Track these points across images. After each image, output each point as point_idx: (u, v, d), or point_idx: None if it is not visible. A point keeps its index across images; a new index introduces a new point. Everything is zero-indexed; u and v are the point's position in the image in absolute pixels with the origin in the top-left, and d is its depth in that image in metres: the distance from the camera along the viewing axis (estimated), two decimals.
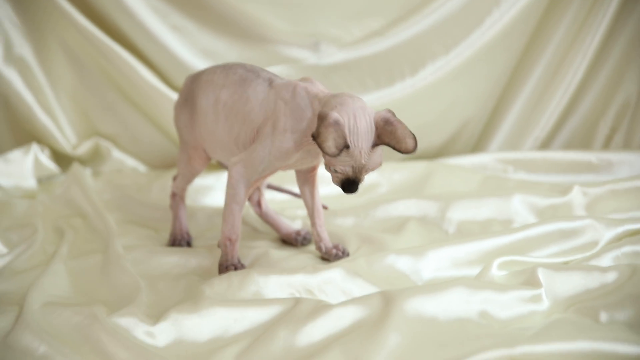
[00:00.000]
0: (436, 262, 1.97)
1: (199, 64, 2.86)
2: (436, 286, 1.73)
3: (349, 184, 1.77)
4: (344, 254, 2.08)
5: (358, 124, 1.71)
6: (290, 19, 2.88)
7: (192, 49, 2.88)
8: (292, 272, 1.88)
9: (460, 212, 2.34)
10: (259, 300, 1.78)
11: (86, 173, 2.83)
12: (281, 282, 1.86)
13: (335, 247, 2.08)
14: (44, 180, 2.89)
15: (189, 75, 2.20)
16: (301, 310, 1.71)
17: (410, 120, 2.61)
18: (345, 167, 1.74)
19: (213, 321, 1.71)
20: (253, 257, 2.10)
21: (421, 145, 2.83)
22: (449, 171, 2.78)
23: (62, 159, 2.97)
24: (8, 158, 2.85)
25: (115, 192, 2.72)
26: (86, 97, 2.97)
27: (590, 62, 2.95)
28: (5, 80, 2.87)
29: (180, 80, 2.83)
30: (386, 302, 1.69)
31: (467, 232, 2.26)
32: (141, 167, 3.03)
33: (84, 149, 2.98)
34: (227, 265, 1.98)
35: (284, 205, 2.56)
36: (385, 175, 2.77)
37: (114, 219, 2.44)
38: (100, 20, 2.84)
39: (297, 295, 1.84)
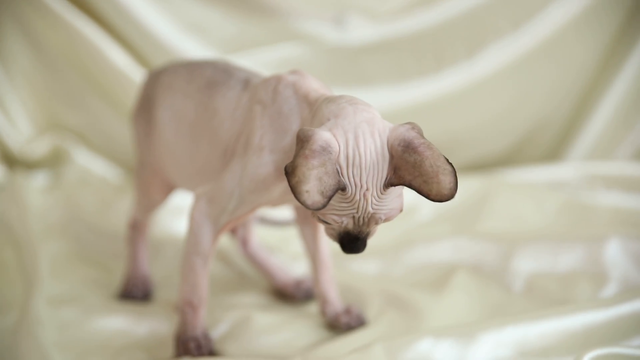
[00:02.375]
0: (494, 351, 1.57)
1: (186, 43, 2.59)
2: None
3: (350, 242, 1.32)
4: (359, 321, 1.71)
5: (361, 149, 1.26)
6: None
7: (176, 24, 2.60)
8: None
9: (531, 261, 1.99)
10: None
11: (30, 183, 2.55)
12: None
13: (347, 311, 1.72)
14: None
15: (150, 72, 1.93)
16: None
17: (464, 119, 2.71)
18: (341, 217, 1.29)
19: None
20: (228, 324, 1.74)
21: (479, 153, 2.77)
22: (514, 192, 2.46)
23: (11, 161, 2.70)
24: None
25: (67, 211, 2.38)
26: (46, 82, 2.68)
27: None
28: None
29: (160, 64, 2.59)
30: None
31: (540, 292, 1.90)
32: (112, 173, 2.73)
33: (40, 147, 2.71)
34: (185, 340, 1.61)
35: (285, 236, 2.22)
36: None
37: (54, 251, 2.13)
38: None
39: None
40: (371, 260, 2.06)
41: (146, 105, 1.81)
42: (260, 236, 2.04)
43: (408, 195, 2.31)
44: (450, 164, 1.23)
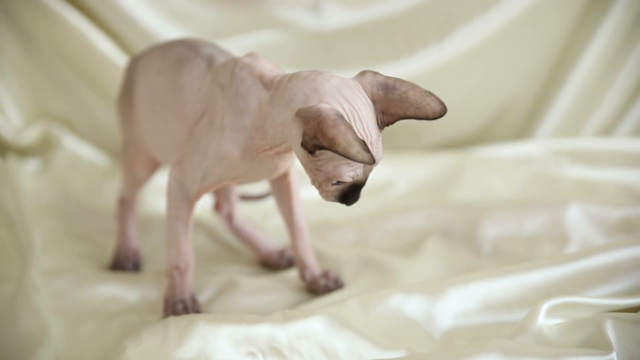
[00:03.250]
0: (460, 304, 1.63)
1: (168, 30, 2.59)
2: (459, 352, 1.39)
3: (353, 193, 1.41)
4: (337, 284, 1.77)
5: (355, 107, 1.36)
6: None
7: (158, 11, 2.62)
8: (255, 321, 1.52)
9: (498, 226, 2.02)
10: None
11: (22, 168, 2.55)
12: (237, 335, 1.50)
13: (325, 275, 1.78)
14: None
15: (130, 58, 1.97)
16: None
17: None
18: (355, 170, 1.37)
19: None
20: (215, 289, 1.79)
21: (450, 132, 2.78)
22: (484, 166, 2.50)
23: (2, 148, 2.67)
24: None
25: (58, 192, 2.40)
26: (33, 71, 2.68)
27: None
28: None
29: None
30: None
31: (506, 254, 1.94)
32: (100, 158, 2.73)
33: (30, 135, 2.70)
34: (174, 302, 1.66)
35: (268, 213, 2.26)
36: (400, 172, 2.50)
37: (47, 229, 2.16)
38: None
39: (259, 357, 1.49)
40: (348, 231, 2.10)
41: (128, 88, 1.85)
42: (242, 212, 2.08)
43: (384, 171, 2.41)
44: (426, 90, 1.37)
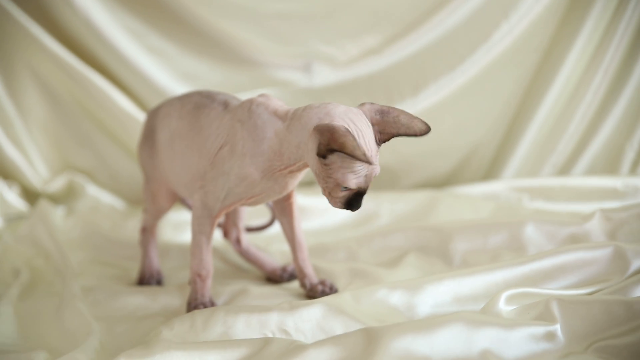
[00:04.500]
0: (435, 297, 1.81)
1: (179, 89, 2.75)
2: (430, 321, 1.55)
3: (357, 199, 1.62)
4: (332, 290, 1.94)
5: (359, 127, 1.59)
6: (279, 38, 2.81)
7: (171, 73, 2.80)
8: (266, 310, 1.71)
9: (466, 242, 2.19)
10: (223, 342, 1.60)
11: (53, 210, 2.69)
12: (252, 321, 1.70)
13: (322, 283, 1.95)
14: (12, 219, 2.75)
15: (150, 110, 2.12)
16: (270, 352, 1.55)
17: (412, 146, 2.80)
18: (359, 179, 1.59)
19: None
20: (229, 294, 1.96)
21: (426, 174, 2.90)
22: (456, 201, 2.67)
23: (33, 197, 2.84)
24: None
25: (86, 229, 2.58)
26: (59, 129, 2.88)
27: (613, 80, 2.83)
28: None
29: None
30: (369, 340, 1.51)
31: (473, 263, 2.11)
32: (119, 204, 2.90)
33: (56, 185, 2.86)
34: (195, 305, 1.84)
35: (270, 241, 2.44)
36: (384, 206, 2.64)
37: (79, 258, 2.33)
38: (73, 45, 2.76)
39: (271, 336, 1.67)
40: (339, 251, 2.27)
41: (149, 135, 2.03)
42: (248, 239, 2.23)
43: (369, 205, 2.55)
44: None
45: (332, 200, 1.64)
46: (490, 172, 2.98)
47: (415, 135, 1.60)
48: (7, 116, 2.82)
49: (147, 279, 2.14)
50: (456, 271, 1.88)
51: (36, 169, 2.87)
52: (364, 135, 1.58)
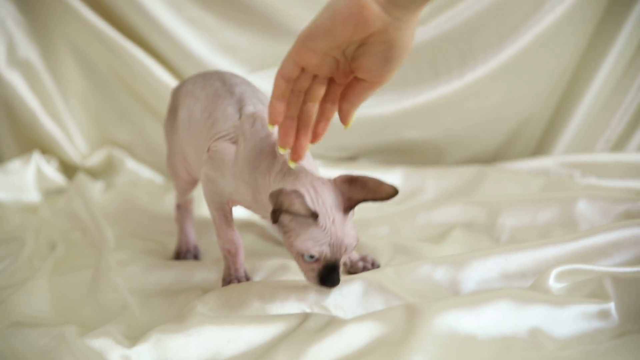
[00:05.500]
0: (481, 273, 1.73)
1: (219, 61, 2.75)
2: (475, 297, 1.51)
3: (330, 272, 1.54)
4: (374, 266, 1.86)
5: (320, 192, 1.54)
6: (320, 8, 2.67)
7: (211, 45, 2.77)
8: (304, 285, 1.66)
9: (515, 218, 2.13)
10: (259, 317, 1.57)
11: (91, 184, 2.72)
12: (290, 296, 1.65)
13: (363, 259, 1.88)
14: (50, 193, 2.78)
15: (177, 85, 2.11)
16: (308, 328, 1.51)
17: (459, 120, 2.81)
18: (321, 246, 1.52)
19: (202, 342, 1.51)
20: (267, 270, 1.91)
21: (473, 149, 2.89)
22: (504, 177, 2.59)
23: (71, 171, 2.87)
24: (8, 169, 2.77)
25: (123, 204, 2.59)
26: (98, 102, 2.88)
27: None
28: (8, 84, 2.78)
29: None
30: (411, 316, 1.46)
31: (522, 240, 2.02)
32: (158, 178, 2.91)
33: (95, 159, 2.89)
34: (230, 280, 1.80)
35: None
36: (429, 182, 2.60)
37: (116, 232, 2.30)
38: (111, 17, 2.74)
39: (308, 311, 1.63)
40: (382, 226, 2.20)
41: (173, 109, 2.00)
42: None
43: (414, 181, 2.52)
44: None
45: (306, 275, 1.58)
46: (540, 147, 2.92)
47: (381, 199, 1.53)
48: (46, 89, 2.83)
49: (184, 253, 2.12)
50: (504, 247, 1.82)
51: (75, 143, 2.89)
52: (323, 201, 1.52)
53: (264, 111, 1.73)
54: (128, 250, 2.17)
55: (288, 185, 1.55)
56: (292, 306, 1.63)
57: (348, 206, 1.54)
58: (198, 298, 1.70)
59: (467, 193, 2.51)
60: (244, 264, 1.81)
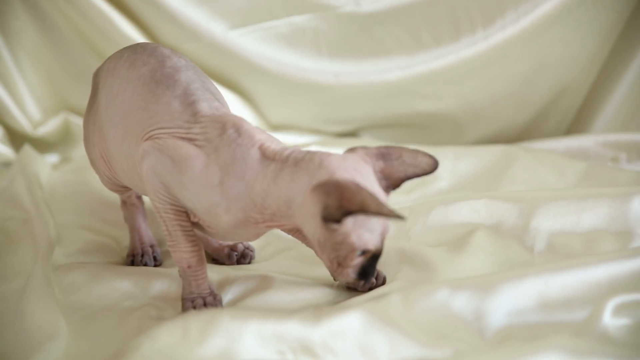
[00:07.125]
0: (514, 302, 1.50)
1: (196, 13, 2.54)
2: (511, 354, 1.31)
3: (372, 263, 1.47)
4: (378, 279, 1.67)
5: (366, 178, 1.45)
6: None
7: None
8: (285, 316, 1.42)
9: (553, 220, 1.89)
10: None
11: (39, 159, 2.51)
12: (265, 332, 1.40)
13: None
14: None
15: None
16: None
17: (482, 90, 2.66)
18: (376, 237, 1.44)
19: None
20: (242, 284, 1.71)
21: (498, 125, 2.72)
22: (535, 159, 2.39)
23: (20, 141, 2.65)
24: None
25: (76, 185, 2.36)
26: (54, 61, 2.64)
27: None
28: None
29: (170, 38, 2.56)
30: None
31: (563, 250, 1.82)
32: None
33: (49, 127, 2.67)
34: (192, 299, 1.60)
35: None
36: (445, 164, 2.39)
37: (62, 221, 2.10)
38: None
39: (288, 356, 1.39)
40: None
41: (93, 94, 1.80)
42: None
43: None
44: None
45: (343, 272, 1.48)
46: (577, 124, 2.77)
47: (426, 173, 1.50)
48: None
49: (140, 257, 1.90)
50: (542, 265, 1.60)
51: (24, 108, 2.67)
52: (372, 186, 1.45)
53: (227, 114, 1.59)
54: (73, 246, 1.99)
55: (327, 175, 1.42)
56: (267, 347, 1.39)
57: (388, 186, 1.49)
58: (145, 333, 1.43)
59: (491, 180, 2.32)
60: (207, 277, 1.61)
